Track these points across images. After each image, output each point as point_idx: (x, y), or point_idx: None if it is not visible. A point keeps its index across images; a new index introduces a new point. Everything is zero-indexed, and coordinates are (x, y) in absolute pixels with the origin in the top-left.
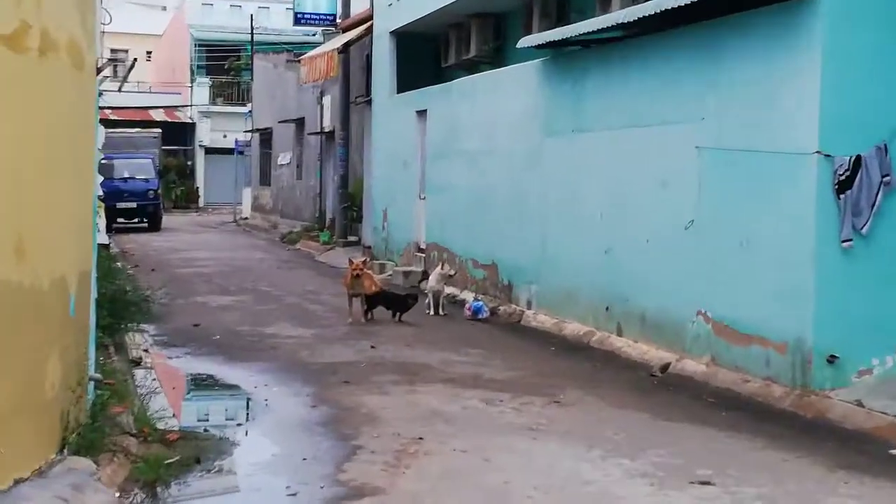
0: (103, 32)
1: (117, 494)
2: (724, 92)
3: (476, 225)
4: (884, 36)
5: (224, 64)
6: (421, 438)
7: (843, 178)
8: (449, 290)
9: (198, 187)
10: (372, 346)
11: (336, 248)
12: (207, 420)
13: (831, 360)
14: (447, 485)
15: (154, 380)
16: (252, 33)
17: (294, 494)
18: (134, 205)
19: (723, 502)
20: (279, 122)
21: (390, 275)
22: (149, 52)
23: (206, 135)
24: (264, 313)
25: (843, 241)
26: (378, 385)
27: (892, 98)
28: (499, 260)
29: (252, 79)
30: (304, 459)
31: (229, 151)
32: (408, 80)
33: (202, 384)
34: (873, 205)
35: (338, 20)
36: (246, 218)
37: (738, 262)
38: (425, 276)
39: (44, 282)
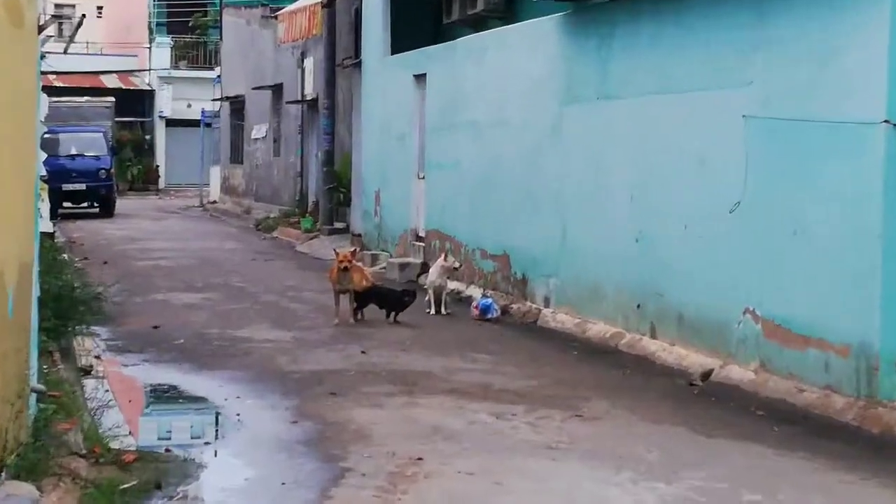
0: None
1: None
2: (774, 51)
3: (484, 209)
4: None
5: (188, 21)
6: (420, 459)
7: None
8: (452, 285)
9: (158, 166)
10: (362, 352)
11: (320, 236)
12: (169, 438)
13: None
14: None
15: (107, 391)
16: None
17: None
18: (83, 186)
19: None
20: (253, 88)
21: (384, 267)
22: (99, 8)
23: (167, 104)
24: (236, 313)
25: None
26: (370, 397)
27: None
28: (511, 250)
29: (221, 38)
30: (284, 484)
31: (194, 124)
32: (404, 38)
33: (163, 396)
34: None
35: None
36: (214, 202)
37: (791, 250)
38: (425, 268)
39: None
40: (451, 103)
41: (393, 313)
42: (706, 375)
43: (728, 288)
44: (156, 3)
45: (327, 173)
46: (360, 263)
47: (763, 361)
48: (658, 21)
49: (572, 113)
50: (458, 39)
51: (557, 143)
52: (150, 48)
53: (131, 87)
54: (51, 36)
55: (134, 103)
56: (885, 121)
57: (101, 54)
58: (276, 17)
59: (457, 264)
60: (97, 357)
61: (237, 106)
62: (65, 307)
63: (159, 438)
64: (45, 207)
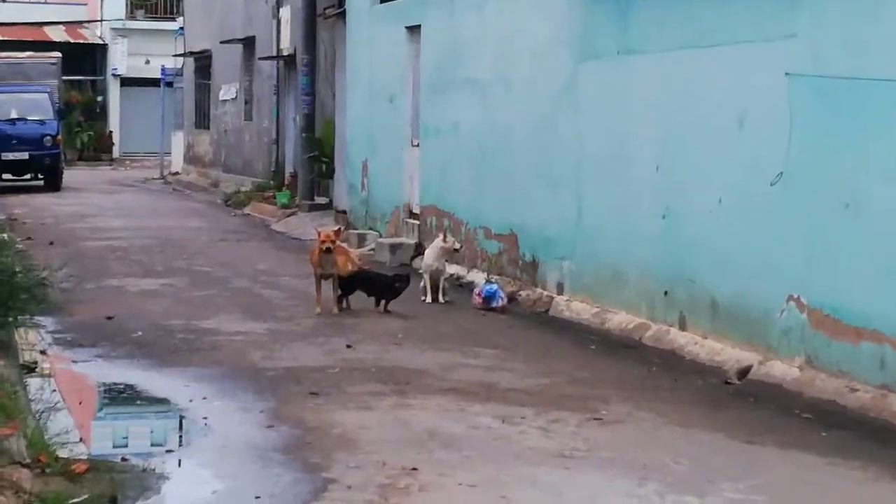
0: None
1: None
2: None
3: (488, 181)
4: None
5: None
6: (414, 469)
7: None
8: (452, 269)
9: (111, 132)
10: (348, 346)
11: (299, 213)
12: (126, 446)
13: None
14: None
15: (54, 392)
16: None
17: None
18: (25, 155)
19: None
20: (221, 42)
21: (372, 249)
22: None
23: (121, 61)
24: (202, 301)
25: None
26: (356, 397)
27: None
28: (519, 228)
29: None
30: (258, 498)
31: (154, 83)
32: None
33: (119, 398)
34: None
35: None
36: (177, 173)
37: (843, 228)
38: (420, 250)
39: None
40: (450, 59)
41: (383, 301)
42: (743, 373)
43: (769, 272)
44: None
45: (307, 140)
46: (344, 244)
47: (809, 356)
48: None
49: (589, 70)
50: None
51: (572, 104)
52: None
53: (80, 41)
54: None
55: (83, 59)
56: None
57: (46, 2)
58: None
59: (457, 245)
60: (42, 352)
61: (203, 63)
62: (4, 295)
63: (114, 446)
64: None
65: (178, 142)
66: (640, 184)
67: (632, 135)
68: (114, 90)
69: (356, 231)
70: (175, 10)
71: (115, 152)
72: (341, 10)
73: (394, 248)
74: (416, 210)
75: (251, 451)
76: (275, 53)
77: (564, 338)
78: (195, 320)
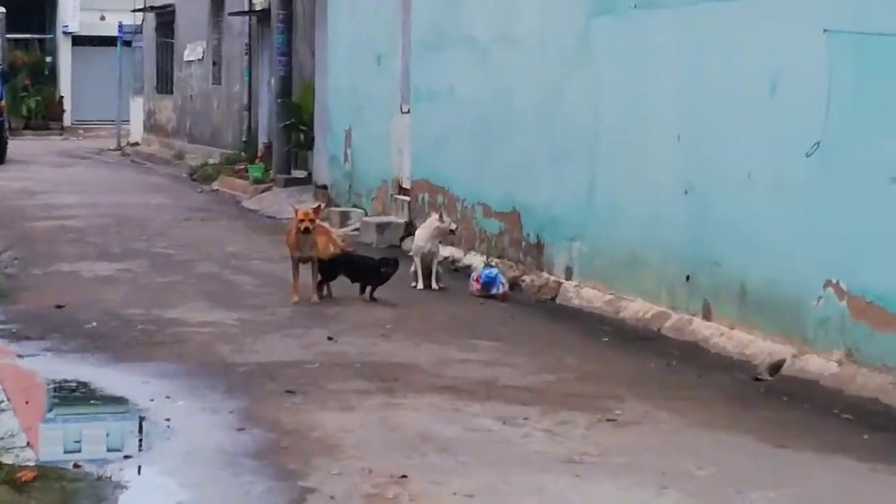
0: None
1: None
2: None
3: (488, 152)
4: None
5: None
6: (404, 477)
7: None
8: (446, 251)
9: (62, 97)
10: (329, 338)
11: (274, 188)
12: (79, 451)
13: None
14: None
15: None
16: None
17: None
18: None
19: None
20: None
21: (357, 229)
22: None
23: (73, 16)
24: (165, 288)
25: None
26: (339, 396)
27: None
28: (523, 206)
29: None
30: None
31: (110, 42)
32: None
33: (71, 397)
34: None
35: None
36: (136, 144)
37: (888, 205)
38: (410, 230)
39: None
40: (446, 14)
41: (369, 288)
42: (775, 368)
43: (804, 254)
44: None
45: (283, 106)
46: (325, 224)
47: (849, 350)
48: None
49: (603, 26)
50: None
51: (584, 66)
52: None
53: None
54: None
55: (30, 15)
56: None
57: None
58: None
59: (453, 226)
60: None
61: (165, 18)
62: None
63: (66, 451)
64: None
65: (137, 108)
66: (659, 155)
67: (650, 100)
68: (64, 50)
69: (338, 209)
70: None
71: (67, 120)
72: None
73: (381, 227)
74: (407, 185)
75: (220, 456)
76: (246, 8)
77: (573, 329)
78: (156, 309)
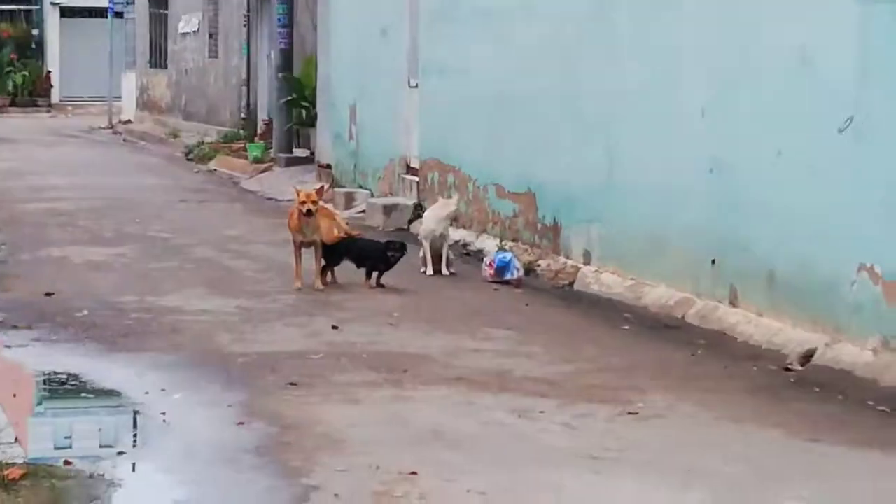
0: None
1: None
2: None
3: (502, 130)
4: None
5: None
6: (414, 473)
7: None
8: (457, 234)
9: (50, 72)
10: (334, 327)
11: (274, 168)
12: (70, 447)
13: None
14: None
15: None
16: None
17: None
18: None
19: None
20: None
21: (362, 211)
22: None
23: None
24: (160, 275)
25: None
26: (344, 388)
27: None
28: (538, 186)
29: None
30: None
31: (100, 13)
32: None
33: (61, 390)
34: None
35: None
36: (129, 121)
37: None
38: (419, 212)
39: None
40: None
41: (375, 274)
42: (806, 357)
43: (837, 236)
44: None
45: (284, 81)
46: (329, 205)
47: (885, 338)
48: None
49: None
50: None
51: (602, 37)
52: None
53: None
54: None
55: None
56: None
57: None
58: None
59: (452, 206)
60: None
61: None
62: None
63: (56, 447)
64: None
65: (129, 84)
66: (683, 132)
67: (674, 73)
68: (52, 22)
69: (343, 189)
70: None
71: (55, 97)
72: None
73: (388, 209)
74: (415, 164)
75: (219, 452)
76: None
77: (592, 316)
78: (151, 297)
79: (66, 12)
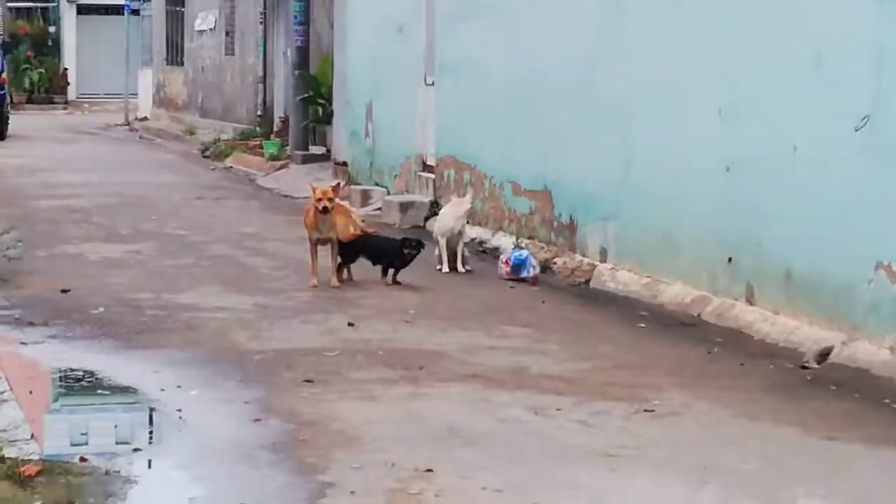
0: None
1: None
2: None
3: (518, 128)
4: None
5: None
6: (430, 470)
7: None
8: (474, 232)
9: (66, 69)
10: (350, 324)
11: (290, 165)
12: (85, 444)
13: None
14: None
15: None
16: None
17: None
18: None
19: None
20: None
21: (379, 208)
22: None
23: None
24: (176, 272)
25: None
26: (360, 386)
27: None
28: (554, 184)
29: None
30: None
31: (117, 10)
32: None
33: (77, 386)
34: None
35: None
36: (145, 118)
37: None
38: (435, 209)
39: None
40: None
41: (391, 271)
42: (823, 355)
43: (854, 234)
44: None
45: (300, 79)
46: (345, 203)
47: None
48: None
49: None
50: None
51: (619, 36)
52: None
53: None
54: None
55: None
56: None
57: None
58: None
59: (468, 204)
60: None
61: None
62: None
63: (71, 444)
64: None
65: (145, 81)
66: (699, 130)
67: (690, 72)
68: (69, 19)
69: (359, 187)
70: None
71: (71, 94)
72: None
73: (404, 207)
74: (431, 162)
75: (235, 449)
76: None
77: (608, 314)
78: (167, 294)
79: (83, 9)
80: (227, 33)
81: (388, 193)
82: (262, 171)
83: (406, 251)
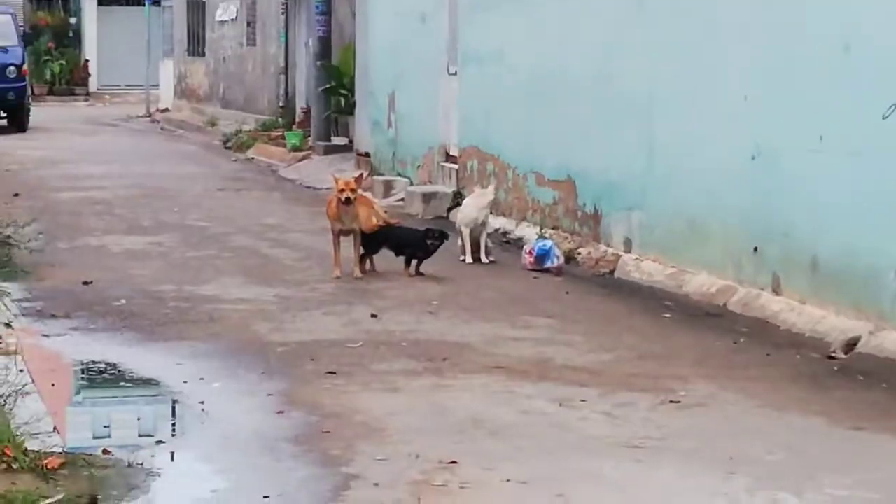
0: None
1: None
2: None
3: (541, 117)
4: None
5: None
6: (454, 462)
7: None
8: (497, 222)
9: (87, 61)
10: (373, 315)
11: (313, 156)
12: (108, 436)
13: None
14: None
15: (21, 372)
16: None
17: None
18: None
19: None
20: None
21: (401, 199)
22: None
23: None
24: (198, 263)
25: None
26: (383, 377)
27: None
28: (578, 174)
29: None
30: (266, 498)
31: (137, 1)
32: None
33: (99, 379)
34: None
35: None
36: (166, 109)
37: None
38: (458, 200)
39: None
40: None
41: (414, 262)
42: (850, 345)
43: (881, 223)
44: None
45: (322, 69)
46: (367, 194)
47: None
48: None
49: None
50: None
51: (643, 22)
52: None
53: None
54: None
55: None
56: None
57: None
58: None
59: (491, 195)
60: (7, 325)
61: None
62: None
63: (94, 436)
64: None
65: (167, 72)
66: (724, 117)
67: (715, 58)
68: (90, 11)
69: (382, 178)
70: None
71: (93, 85)
72: None
73: (427, 197)
74: (454, 152)
75: (258, 441)
76: None
77: (633, 304)
78: (189, 286)
79: (104, 1)
80: (248, 23)
81: (411, 184)
82: (284, 161)
83: (429, 242)
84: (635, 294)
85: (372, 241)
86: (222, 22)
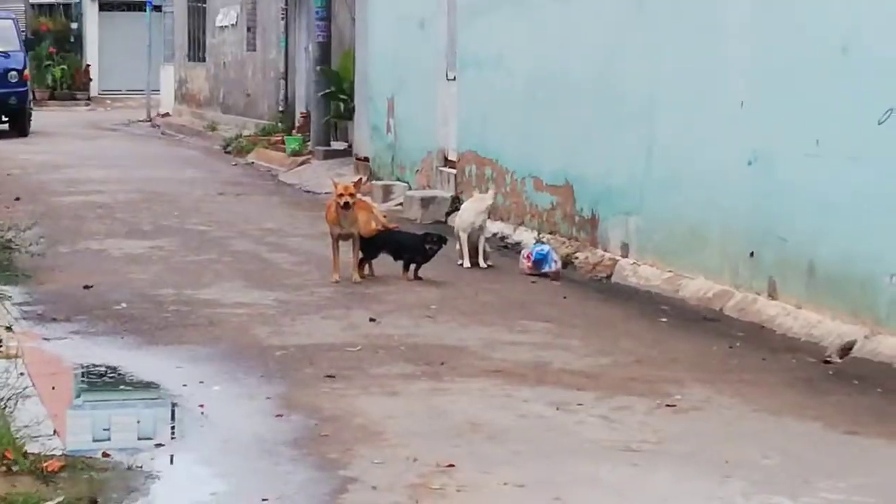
0: None
1: None
2: None
3: (540, 122)
4: None
5: None
6: (451, 466)
7: None
8: (495, 227)
9: (89, 66)
10: (372, 319)
11: (312, 161)
12: (108, 439)
13: None
14: None
15: (21, 375)
16: None
17: None
18: None
19: None
20: None
21: (400, 203)
22: None
23: None
24: (198, 267)
25: None
26: (382, 381)
27: None
28: (576, 179)
29: None
30: (265, 501)
31: (138, 6)
32: None
33: (99, 382)
34: None
35: None
36: (167, 114)
37: None
38: (456, 205)
39: None
40: None
41: (412, 266)
42: (846, 350)
43: (877, 228)
44: None
45: (322, 74)
46: (367, 198)
47: None
48: None
49: None
50: None
51: (641, 27)
52: None
53: None
54: None
55: None
56: None
57: None
58: None
59: (490, 199)
60: (7, 328)
61: None
62: None
63: (94, 439)
64: None
65: (167, 77)
66: (722, 123)
67: (713, 62)
68: (91, 16)
69: (381, 182)
70: None
71: (94, 90)
72: None
73: (426, 202)
74: (453, 157)
75: (257, 444)
76: None
77: (630, 309)
78: (189, 290)
79: (105, 6)
80: (248, 29)
81: (410, 188)
82: (283, 166)
83: (428, 246)
84: (632, 298)
85: (371, 246)
86: (223, 27)
